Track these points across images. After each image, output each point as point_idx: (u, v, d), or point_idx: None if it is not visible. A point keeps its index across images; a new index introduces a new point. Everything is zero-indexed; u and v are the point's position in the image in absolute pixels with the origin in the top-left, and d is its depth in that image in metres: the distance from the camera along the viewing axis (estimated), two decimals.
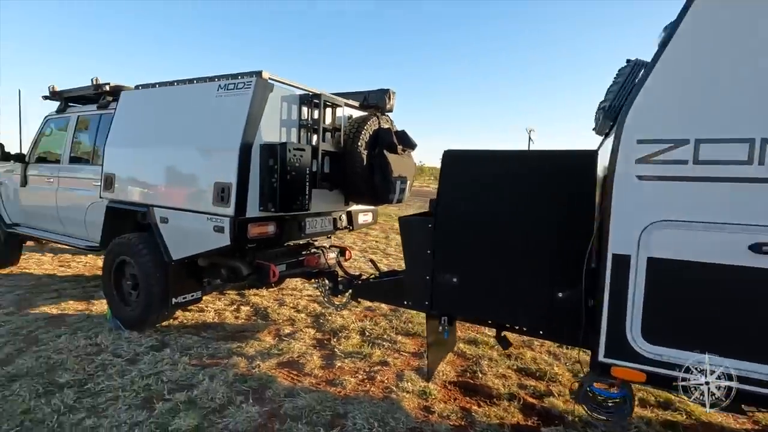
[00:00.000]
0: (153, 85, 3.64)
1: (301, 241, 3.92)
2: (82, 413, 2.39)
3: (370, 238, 8.97)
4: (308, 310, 4.31)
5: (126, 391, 2.62)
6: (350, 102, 3.75)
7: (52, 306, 4.14)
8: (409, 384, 2.81)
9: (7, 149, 4.94)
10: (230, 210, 2.86)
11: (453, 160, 2.00)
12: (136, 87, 3.81)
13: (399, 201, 3.74)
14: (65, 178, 4.39)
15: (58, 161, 4.54)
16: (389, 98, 3.93)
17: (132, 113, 3.72)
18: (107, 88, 4.02)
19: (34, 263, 5.84)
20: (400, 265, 6.53)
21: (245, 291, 4.75)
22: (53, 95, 4.66)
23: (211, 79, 3.23)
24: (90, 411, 2.42)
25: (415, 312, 3.94)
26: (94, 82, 4.08)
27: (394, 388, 2.78)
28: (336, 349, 3.36)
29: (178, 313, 3.92)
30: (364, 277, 3.54)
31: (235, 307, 4.35)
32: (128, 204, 3.56)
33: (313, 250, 3.97)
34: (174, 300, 3.40)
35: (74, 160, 4.39)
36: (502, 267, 1.89)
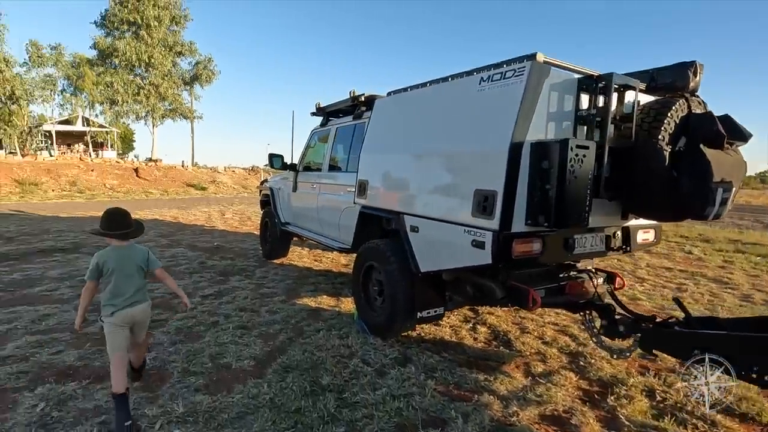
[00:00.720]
0: (405, 90, 3.57)
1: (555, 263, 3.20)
2: (342, 427, 2.32)
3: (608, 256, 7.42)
4: (559, 344, 3.55)
5: (379, 410, 2.47)
6: (638, 84, 2.82)
7: (311, 299, 4.63)
8: None
9: (284, 160, 5.90)
10: (494, 223, 2.41)
11: None
12: (388, 94, 3.84)
13: (717, 216, 2.61)
14: (325, 184, 4.87)
15: (319, 169, 5.10)
16: (694, 74, 2.81)
17: (385, 120, 3.75)
18: (362, 98, 4.22)
19: (296, 256, 6.91)
20: (664, 296, 5.01)
21: (478, 307, 4.34)
22: (318, 111, 5.28)
23: (470, 72, 2.87)
24: (349, 426, 2.33)
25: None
26: (351, 95, 4.35)
27: None
28: (618, 413, 2.51)
29: None
30: (659, 319, 2.58)
31: (470, 325, 3.97)
32: (379, 210, 3.58)
33: (573, 274, 3.20)
34: (419, 314, 3.20)
35: (332, 168, 4.84)
36: None
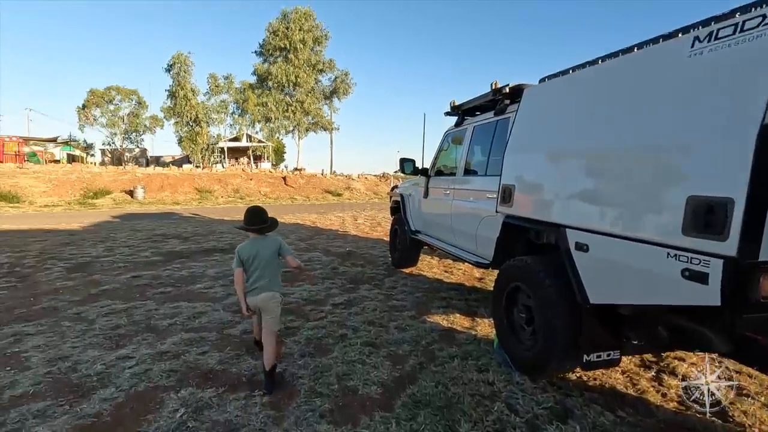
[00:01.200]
0: (565, 72, 2.88)
1: None
2: None
3: None
4: None
5: None
6: None
7: (442, 316, 4.18)
8: None
9: (416, 165, 5.59)
10: (727, 246, 1.61)
11: None
12: (541, 80, 3.18)
13: None
14: (460, 190, 4.39)
15: (453, 174, 4.64)
16: None
17: (538, 112, 3.10)
18: (506, 90, 3.63)
19: (425, 266, 6.55)
20: None
21: None
22: (452, 110, 4.83)
23: (671, 35, 2.09)
24: None
25: None
26: (493, 86, 3.79)
27: None
28: None
29: None
30: None
31: (653, 373, 3.04)
32: (532, 222, 2.94)
33: None
34: (586, 357, 2.48)
35: (468, 171, 4.33)
36: None
